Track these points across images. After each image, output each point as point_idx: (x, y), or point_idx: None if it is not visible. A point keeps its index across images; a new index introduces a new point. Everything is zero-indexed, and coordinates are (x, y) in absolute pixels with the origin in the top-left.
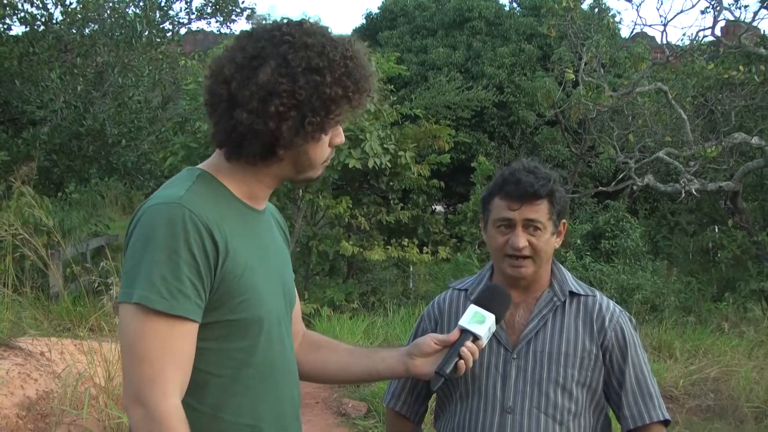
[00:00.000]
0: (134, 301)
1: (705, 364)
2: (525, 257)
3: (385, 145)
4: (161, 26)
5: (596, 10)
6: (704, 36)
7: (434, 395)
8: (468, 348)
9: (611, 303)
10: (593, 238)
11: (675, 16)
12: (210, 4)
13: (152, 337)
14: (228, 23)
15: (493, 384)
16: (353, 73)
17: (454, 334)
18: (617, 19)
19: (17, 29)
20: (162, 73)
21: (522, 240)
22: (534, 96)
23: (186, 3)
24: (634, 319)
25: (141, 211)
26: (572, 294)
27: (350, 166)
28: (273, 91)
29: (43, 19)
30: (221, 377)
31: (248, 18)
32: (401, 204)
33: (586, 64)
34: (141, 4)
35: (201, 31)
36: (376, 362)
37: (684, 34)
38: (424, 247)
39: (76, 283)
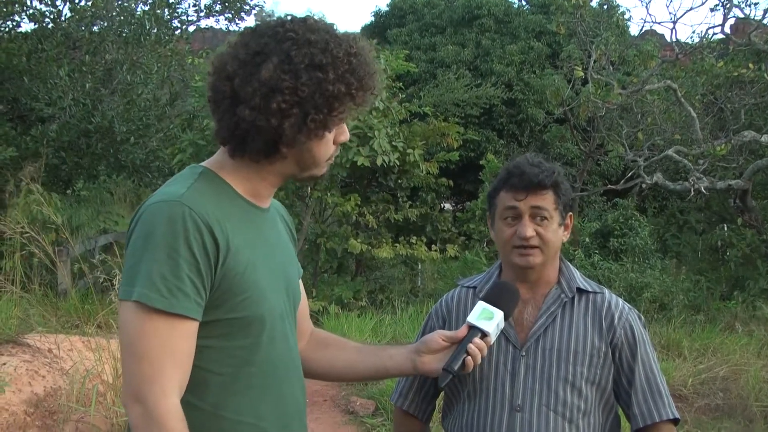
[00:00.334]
0: (134, 299)
1: (714, 363)
2: (533, 247)
3: (393, 143)
4: (170, 24)
5: (605, 7)
6: (714, 34)
7: (442, 393)
8: (476, 344)
9: (620, 300)
10: (602, 237)
11: (684, 13)
12: (219, 2)
13: (152, 336)
14: (237, 20)
15: (501, 382)
16: (357, 70)
17: (462, 331)
18: (626, 16)
19: (26, 26)
20: (170, 70)
21: (529, 229)
22: (543, 94)
23: (195, 0)
24: (643, 317)
25: (142, 209)
26: (581, 291)
27: (359, 163)
28: (275, 87)
29: (51, 17)
30: (222, 375)
31: (256, 15)
32: (410, 202)
33: (595, 61)
34: (149, 1)
35: (210, 29)
36: (384, 359)
37: (693, 32)
38: (433, 245)
39: (85, 279)
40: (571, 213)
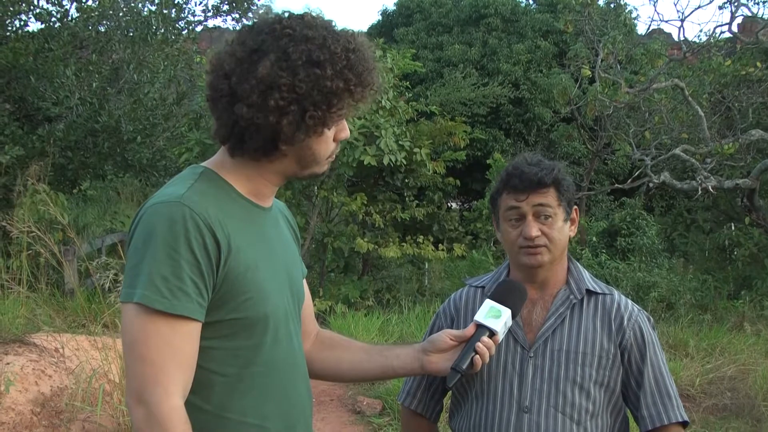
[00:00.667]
0: (135, 300)
1: (721, 362)
2: (539, 246)
3: (400, 142)
4: (176, 24)
5: (613, 6)
6: (721, 32)
7: (450, 393)
8: (484, 343)
9: (629, 302)
10: (609, 236)
11: (692, 12)
12: (226, 2)
13: (154, 337)
14: (244, 20)
15: (509, 383)
16: (355, 66)
17: (470, 330)
18: (634, 15)
19: (33, 26)
20: (178, 69)
21: (534, 229)
22: (550, 93)
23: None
24: (652, 319)
25: (142, 211)
26: (589, 292)
27: (365, 162)
28: (273, 84)
29: (58, 16)
30: (226, 376)
31: (253, 13)
32: (416, 201)
33: (602, 60)
34: (156, 1)
35: (217, 29)
36: (391, 359)
37: (701, 31)
38: (440, 244)
39: (91, 279)
40: (576, 207)
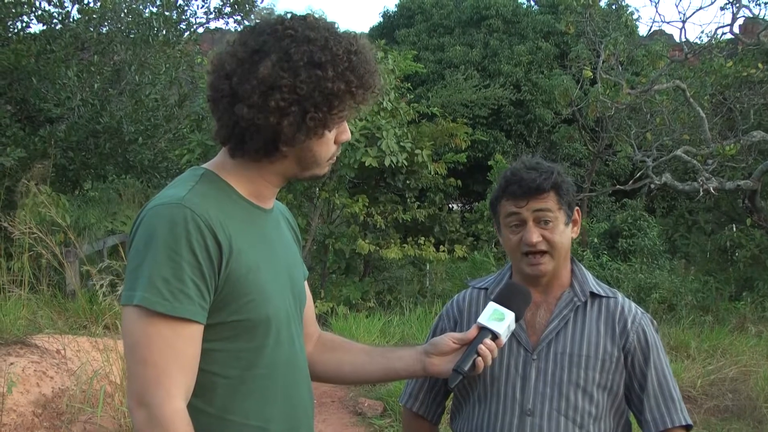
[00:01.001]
0: (135, 303)
1: (723, 364)
2: (542, 252)
3: (401, 144)
4: (178, 25)
5: (614, 7)
6: (723, 33)
7: (451, 395)
8: (486, 345)
9: (633, 305)
10: (610, 237)
11: (694, 13)
12: (227, 4)
13: (155, 340)
14: (246, 22)
15: (512, 385)
16: (357, 68)
17: (472, 332)
18: (635, 16)
19: (35, 27)
20: (179, 71)
21: (535, 235)
22: (551, 94)
23: (203, 2)
24: (655, 322)
25: (143, 213)
26: (593, 295)
27: (367, 164)
28: (273, 85)
29: (60, 18)
30: (229, 378)
31: (255, 14)
32: (418, 202)
33: (604, 61)
34: (158, 2)
35: (218, 30)
36: (393, 361)
37: (702, 32)
38: (441, 246)
39: (92, 281)
40: (577, 208)
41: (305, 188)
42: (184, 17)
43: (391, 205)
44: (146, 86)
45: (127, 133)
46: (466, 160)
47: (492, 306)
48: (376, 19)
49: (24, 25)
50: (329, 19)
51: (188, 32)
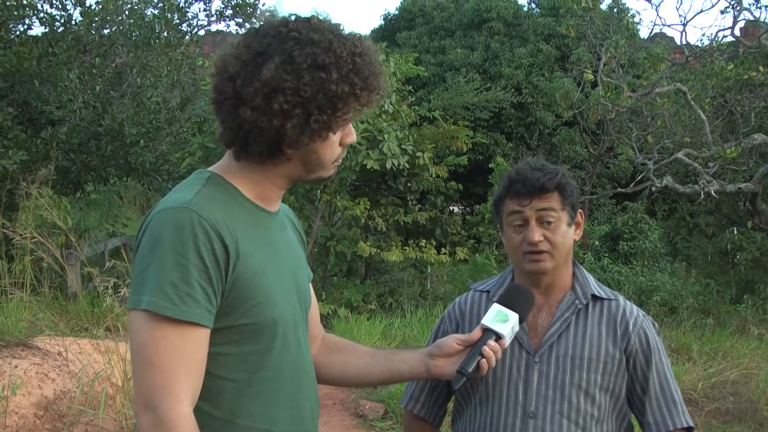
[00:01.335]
0: (143, 307)
1: (724, 366)
2: (542, 252)
3: (403, 146)
4: (179, 28)
5: (615, 10)
6: (724, 36)
7: (453, 397)
8: (491, 347)
9: (635, 308)
10: (611, 240)
11: (694, 16)
12: (229, 7)
13: (162, 344)
14: (247, 25)
15: (514, 388)
16: (361, 70)
17: (476, 333)
18: (636, 19)
19: (37, 30)
20: (181, 73)
21: (537, 234)
22: (552, 97)
23: (205, 4)
24: (657, 324)
25: (150, 217)
26: (595, 298)
27: (368, 166)
28: (277, 88)
29: (62, 20)
30: (236, 382)
31: (258, 17)
32: (419, 205)
33: (605, 64)
34: (160, 5)
35: (220, 33)
36: (397, 363)
37: (703, 35)
38: (442, 248)
39: (93, 283)
40: (580, 210)
41: (307, 190)
42: (185, 19)
43: (393, 208)
44: (148, 89)
45: (129, 135)
46: (467, 163)
47: (496, 307)
48: (377, 22)
49: (26, 27)
50: (334, 21)
51: (189, 35)
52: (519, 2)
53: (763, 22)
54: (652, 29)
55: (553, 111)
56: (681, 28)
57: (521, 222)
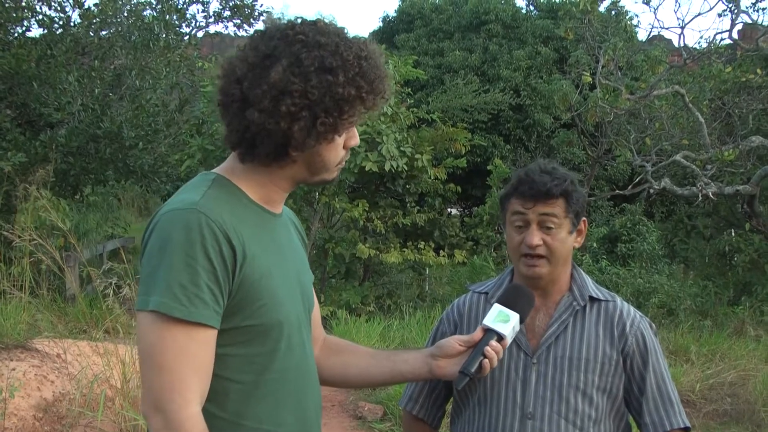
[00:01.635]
0: (151, 308)
1: (722, 368)
2: (540, 256)
3: (401, 148)
4: (178, 29)
5: (614, 12)
6: (722, 39)
7: (451, 398)
8: (492, 347)
9: (632, 309)
10: (609, 242)
11: (692, 19)
12: (227, 8)
13: (170, 345)
14: (245, 26)
15: (513, 389)
16: (367, 73)
17: (478, 334)
18: (634, 22)
19: (35, 32)
20: (180, 75)
21: (536, 238)
22: (550, 99)
23: (203, 6)
24: (654, 325)
25: (157, 218)
26: (592, 299)
27: (367, 168)
28: (284, 90)
29: (60, 22)
30: (242, 383)
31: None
32: (417, 207)
33: (603, 67)
34: (158, 7)
35: (218, 35)
36: (399, 364)
37: (701, 37)
38: (440, 250)
39: (92, 285)
40: (584, 219)
41: (305, 193)
42: (184, 20)
43: (391, 210)
44: (147, 91)
45: (128, 138)
46: (465, 165)
47: (497, 308)
48: (375, 24)
49: (24, 29)
50: (339, 25)
51: (188, 36)
52: (517, 4)
53: (761, 24)
54: (650, 32)
55: (552, 113)
56: (679, 30)
57: (522, 223)
